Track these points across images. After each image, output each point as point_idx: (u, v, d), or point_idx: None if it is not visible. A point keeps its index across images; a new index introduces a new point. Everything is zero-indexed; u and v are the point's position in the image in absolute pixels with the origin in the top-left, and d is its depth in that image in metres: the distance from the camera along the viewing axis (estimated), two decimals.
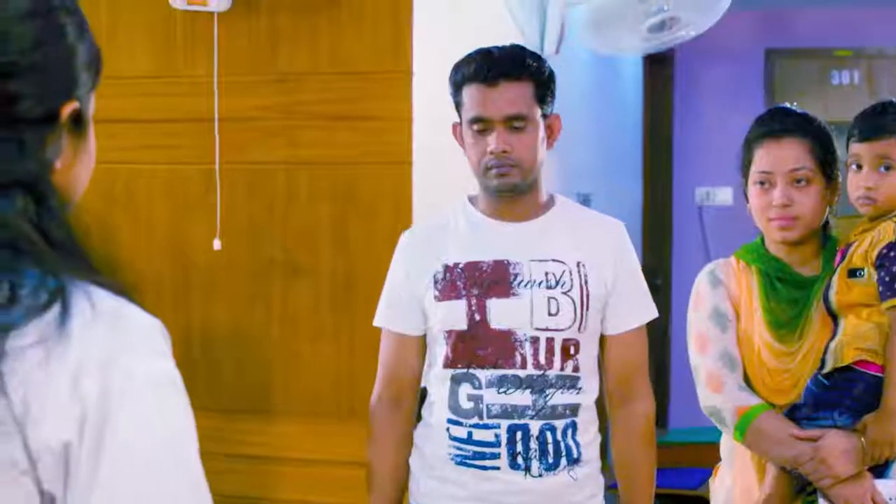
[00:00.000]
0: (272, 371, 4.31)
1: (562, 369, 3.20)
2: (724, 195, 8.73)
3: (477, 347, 3.19)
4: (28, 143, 1.40)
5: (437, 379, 3.28)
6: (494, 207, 3.29)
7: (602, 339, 3.31)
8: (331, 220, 4.23)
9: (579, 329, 3.21)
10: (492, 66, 3.17)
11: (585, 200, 6.41)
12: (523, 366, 3.18)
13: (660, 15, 5.36)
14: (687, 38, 5.50)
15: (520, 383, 3.18)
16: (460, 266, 3.23)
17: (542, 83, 3.21)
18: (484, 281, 3.20)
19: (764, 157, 3.23)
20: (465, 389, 3.21)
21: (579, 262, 3.22)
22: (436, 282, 3.25)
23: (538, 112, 3.20)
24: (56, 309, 1.32)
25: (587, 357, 3.24)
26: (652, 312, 3.36)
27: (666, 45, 5.66)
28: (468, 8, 4.64)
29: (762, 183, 3.23)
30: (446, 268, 3.25)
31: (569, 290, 3.20)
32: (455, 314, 3.21)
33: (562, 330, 3.19)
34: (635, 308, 3.32)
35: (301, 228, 4.27)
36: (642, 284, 3.35)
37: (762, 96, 8.90)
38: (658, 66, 8.78)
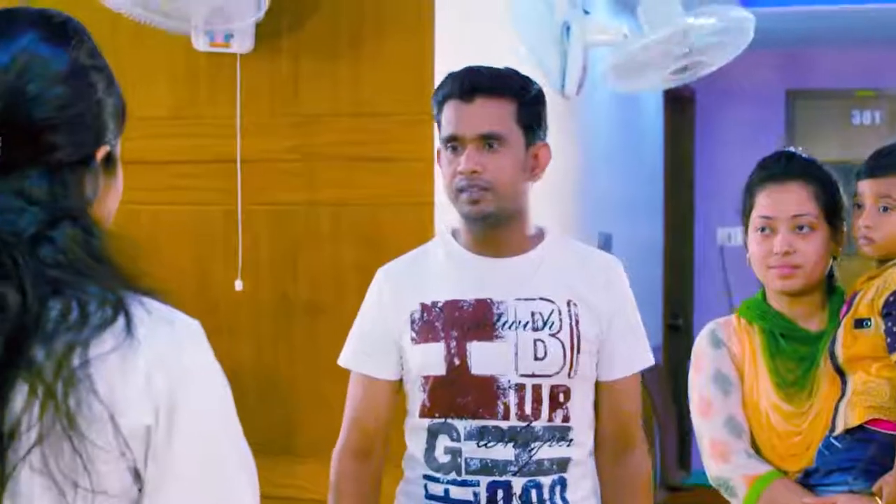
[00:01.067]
0: (295, 412, 4.31)
1: (550, 420, 2.90)
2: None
3: (456, 395, 2.90)
4: (70, 183, 1.68)
5: (413, 430, 3.01)
6: (476, 240, 2.98)
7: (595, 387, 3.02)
8: (353, 260, 4.23)
9: (569, 374, 2.91)
10: (469, 81, 2.91)
11: (607, 240, 6.42)
12: (506, 416, 2.88)
13: (685, 59, 5.37)
14: (706, 73, 5.52)
15: (502, 436, 2.88)
16: (439, 305, 2.94)
17: (526, 104, 2.93)
18: (465, 322, 2.91)
19: (765, 202, 3.08)
20: (442, 442, 2.92)
21: (570, 301, 2.93)
22: (412, 322, 2.96)
23: (519, 135, 2.91)
24: (122, 319, 1.60)
25: (580, 406, 2.95)
26: (648, 359, 3.07)
27: (685, 81, 5.68)
28: (490, 50, 4.65)
29: (763, 229, 3.07)
30: (424, 307, 2.96)
31: (557, 332, 2.90)
32: (432, 358, 2.91)
33: (549, 376, 2.89)
34: (632, 353, 3.03)
35: (323, 269, 4.27)
36: (639, 328, 3.06)
37: (783, 136, 8.90)
38: (679, 107, 8.80)
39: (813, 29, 8.43)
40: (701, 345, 3.17)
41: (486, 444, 2.88)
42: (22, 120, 1.64)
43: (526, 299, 2.92)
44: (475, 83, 2.90)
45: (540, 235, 3.03)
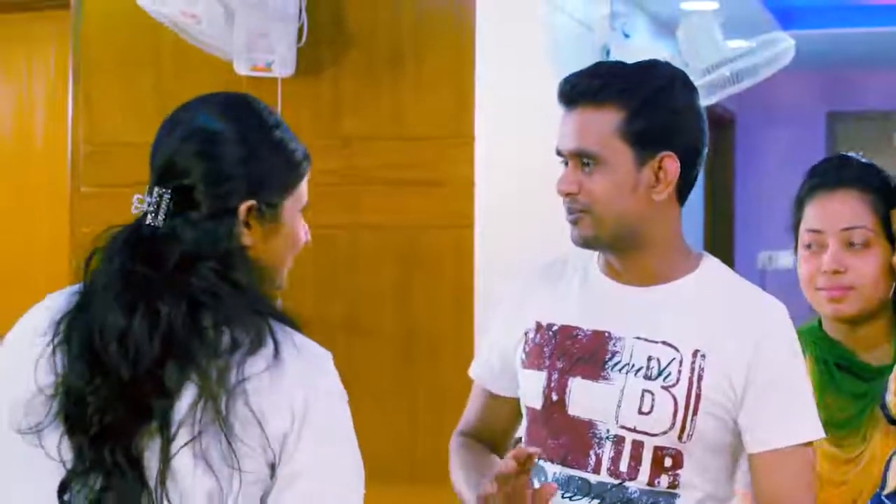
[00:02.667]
0: None
1: (650, 484, 2.42)
2: (786, 259, 8.63)
3: (549, 435, 2.50)
4: (210, 229, 2.06)
5: None
6: (608, 264, 2.54)
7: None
8: (394, 282, 4.23)
9: (681, 437, 2.40)
10: (572, 84, 2.47)
11: None
12: (596, 470, 2.44)
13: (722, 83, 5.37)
14: (735, 91, 5.51)
15: (588, 490, 2.46)
16: (554, 328, 2.53)
17: (639, 112, 2.41)
18: (574, 354, 2.49)
19: (813, 214, 2.68)
20: (535, 485, 2.44)
21: (697, 351, 2.41)
22: (526, 342, 2.58)
23: (624, 151, 2.41)
24: (271, 345, 2.00)
25: (699, 474, 2.43)
26: (810, 432, 2.44)
27: (717, 99, 5.67)
28: (531, 71, 4.65)
29: (810, 245, 2.68)
30: (538, 327, 2.56)
31: (672, 386, 2.40)
32: (532, 387, 2.53)
33: (654, 435, 2.41)
34: (782, 421, 2.42)
35: (364, 291, 4.27)
36: (798, 393, 2.45)
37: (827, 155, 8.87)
38: (720, 129, 8.78)
39: (853, 51, 8.40)
40: None
41: (570, 497, 2.48)
42: (175, 181, 2.08)
43: (646, 340, 2.45)
44: (577, 87, 2.46)
45: (691, 265, 2.53)
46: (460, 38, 4.16)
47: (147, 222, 2.05)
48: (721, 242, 8.85)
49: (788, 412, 2.42)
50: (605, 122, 2.41)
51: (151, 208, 2.06)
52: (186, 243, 2.03)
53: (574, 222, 2.45)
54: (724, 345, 2.40)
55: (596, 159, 2.41)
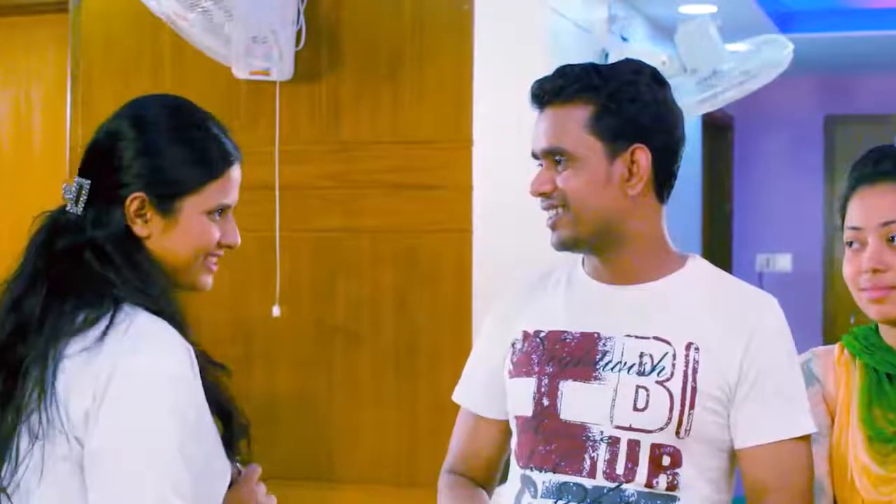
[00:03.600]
0: (333, 439, 4.31)
1: (649, 485, 2.34)
2: (783, 262, 8.70)
3: (539, 442, 2.42)
4: (95, 219, 2.19)
5: (512, 478, 2.52)
6: (593, 266, 2.51)
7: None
8: (392, 287, 4.23)
9: (678, 433, 2.34)
10: (539, 85, 2.48)
11: None
12: (591, 474, 2.36)
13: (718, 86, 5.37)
14: (731, 100, 5.51)
15: (584, 496, 2.36)
16: (542, 335, 2.47)
17: (609, 105, 2.39)
18: (564, 357, 2.43)
19: (854, 210, 2.48)
20: (523, 497, 2.44)
21: (690, 345, 2.37)
22: (513, 352, 2.52)
23: (596, 146, 2.39)
24: (102, 326, 2.07)
25: (696, 474, 2.37)
26: (799, 426, 2.38)
27: (714, 108, 5.68)
28: (530, 76, 4.65)
29: (851, 243, 2.48)
30: (525, 336, 2.50)
31: (666, 380, 2.35)
32: (522, 395, 2.46)
33: (650, 432, 2.34)
34: (772, 416, 2.37)
35: (362, 296, 4.27)
36: (789, 386, 2.40)
37: (821, 162, 8.87)
38: (718, 132, 8.78)
39: (851, 55, 8.41)
40: None
41: None
42: (84, 172, 2.24)
43: (637, 337, 2.40)
44: (544, 87, 2.46)
45: (677, 263, 2.49)
46: (459, 42, 4.16)
47: (68, 208, 2.21)
48: (719, 245, 8.85)
49: (776, 407, 2.38)
50: (574, 119, 2.40)
51: (71, 196, 2.20)
52: (84, 231, 2.17)
53: (553, 226, 2.44)
54: (718, 338, 2.38)
55: (567, 156, 2.39)
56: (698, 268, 2.50)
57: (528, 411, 2.44)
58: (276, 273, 4.32)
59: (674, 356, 2.37)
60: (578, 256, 2.54)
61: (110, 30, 4.60)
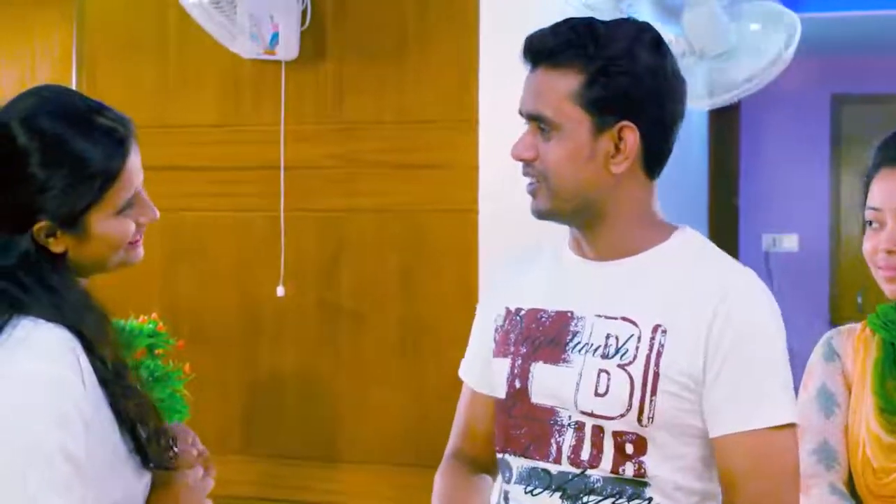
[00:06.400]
0: (338, 418, 4.31)
1: (614, 472, 2.22)
2: (790, 242, 8.69)
3: (511, 426, 2.34)
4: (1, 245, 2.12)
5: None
6: (575, 240, 2.37)
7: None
8: (397, 267, 4.24)
9: (640, 420, 2.20)
10: (531, 43, 2.31)
11: None
12: (557, 459, 2.26)
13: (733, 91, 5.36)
14: (750, 92, 5.49)
15: (549, 482, 2.28)
16: (522, 312, 2.37)
17: (598, 76, 2.22)
18: (538, 337, 2.32)
19: (874, 190, 2.48)
20: (502, 484, 2.37)
21: (658, 327, 2.21)
22: (496, 329, 2.42)
23: (581, 117, 2.23)
24: None
25: (667, 462, 2.23)
26: (773, 415, 2.19)
27: (729, 102, 5.66)
28: None
29: (871, 223, 2.48)
30: (508, 313, 2.40)
31: (628, 364, 2.21)
32: (498, 376, 2.37)
33: (611, 418, 2.21)
34: (743, 402, 2.19)
35: (367, 275, 4.28)
36: (764, 369, 2.21)
37: (828, 142, 8.86)
38: (723, 114, 8.75)
39: (858, 34, 8.38)
40: (813, 357, 2.59)
41: (531, 491, 2.30)
42: None
43: (606, 318, 2.26)
44: (536, 45, 2.29)
45: (664, 236, 2.35)
46: (464, 21, 4.16)
47: None
48: (725, 225, 8.84)
49: (747, 392, 2.19)
50: (562, 86, 2.23)
51: None
52: None
53: (532, 193, 2.30)
54: (686, 318, 2.20)
55: (552, 125, 2.24)
56: (682, 241, 2.34)
57: (502, 393, 2.35)
58: (281, 253, 4.32)
59: (638, 338, 2.22)
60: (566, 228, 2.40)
61: (115, 10, 4.60)
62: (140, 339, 3.82)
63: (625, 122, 2.23)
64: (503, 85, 4.30)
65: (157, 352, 3.87)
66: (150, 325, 3.88)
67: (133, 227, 2.19)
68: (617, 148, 2.24)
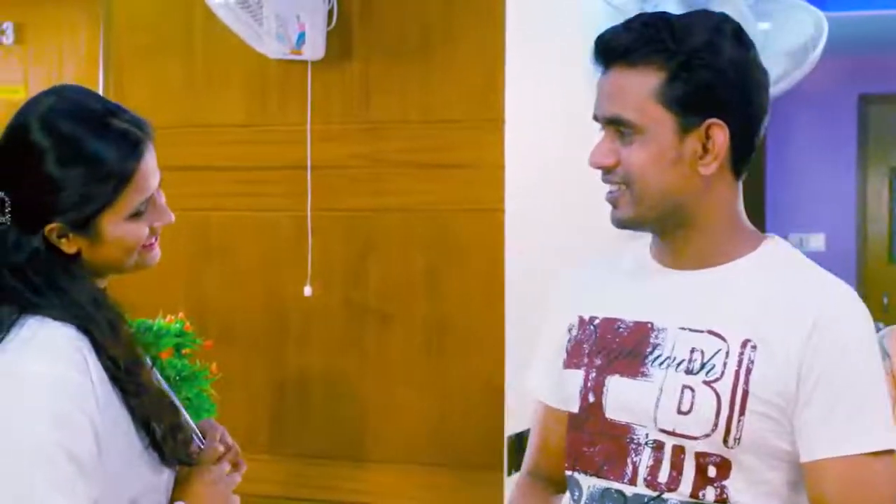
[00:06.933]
0: (364, 418, 4.31)
1: (694, 496, 2.08)
2: (816, 241, 8.67)
3: (584, 443, 2.21)
4: (13, 242, 2.14)
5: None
6: (657, 247, 2.25)
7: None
8: (423, 266, 4.23)
9: (726, 441, 2.06)
10: (604, 42, 2.17)
11: None
12: (632, 480, 2.13)
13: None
14: (778, 93, 5.47)
15: None
16: (596, 321, 2.25)
17: (681, 72, 2.09)
18: (614, 349, 2.19)
19: None
20: (566, 501, 2.28)
21: (747, 342, 2.08)
22: (569, 339, 2.30)
23: (665, 117, 2.10)
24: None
25: (751, 487, 2.09)
26: (872, 439, 2.05)
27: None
28: (560, 55, 4.64)
29: None
30: (581, 321, 2.28)
31: (715, 381, 2.07)
32: (570, 389, 2.25)
33: (694, 438, 2.08)
34: (838, 425, 2.04)
35: (393, 275, 4.27)
36: (862, 390, 2.07)
37: (855, 142, 8.83)
38: None
39: (885, 34, 8.36)
40: None
41: None
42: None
43: (690, 330, 2.13)
44: (610, 45, 2.15)
45: (753, 245, 2.22)
46: (490, 20, 4.15)
47: None
48: (752, 224, 8.82)
49: (843, 415, 2.05)
50: (642, 85, 2.10)
51: None
52: (4, 250, 2.14)
53: (613, 202, 2.17)
54: (778, 333, 2.07)
55: (633, 128, 2.10)
56: (772, 251, 2.21)
57: (575, 407, 2.22)
58: (308, 253, 4.32)
59: (726, 354, 2.08)
60: (649, 235, 2.27)
61: (142, 10, 4.61)
62: (167, 339, 3.82)
63: (712, 120, 2.11)
64: (529, 83, 4.30)
65: (184, 351, 3.87)
66: (178, 325, 3.88)
67: (146, 230, 2.20)
68: (705, 148, 2.12)
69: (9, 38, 5.57)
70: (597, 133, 2.19)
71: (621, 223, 2.18)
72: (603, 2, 5.09)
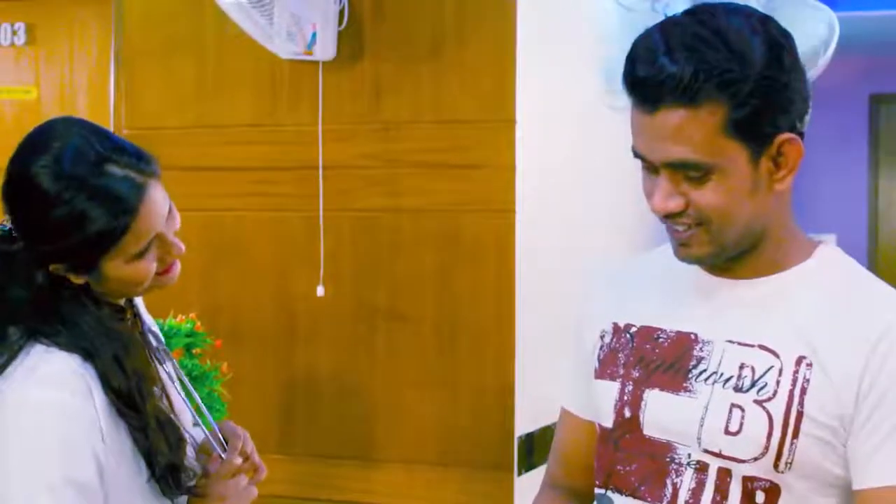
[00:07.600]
0: (374, 419, 4.31)
1: None
2: (831, 242, 8.65)
3: (618, 460, 2.09)
4: (22, 273, 2.17)
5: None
6: None
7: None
8: (434, 267, 4.23)
9: (777, 465, 1.93)
10: (647, 81, 1.91)
11: None
12: (672, 503, 2.00)
13: None
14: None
15: None
16: (632, 330, 2.12)
17: (748, 102, 1.88)
18: (654, 360, 2.06)
19: None
20: None
21: (802, 359, 1.94)
22: (601, 346, 2.18)
23: (736, 148, 1.91)
24: (5, 361, 2.09)
25: None
26: None
27: None
28: (571, 55, 4.64)
29: None
30: (615, 329, 2.16)
31: (767, 400, 1.93)
32: (604, 401, 2.12)
33: (743, 461, 1.94)
34: (892, 452, 1.89)
35: (404, 276, 4.27)
36: None
37: (867, 142, 8.82)
38: None
39: None
40: None
41: None
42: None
43: (740, 344, 1.99)
44: (659, 82, 1.89)
45: (807, 252, 2.06)
46: (502, 20, 4.15)
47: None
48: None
49: None
50: (706, 123, 1.89)
51: (7, 224, 2.21)
52: (11, 280, 2.17)
53: (685, 242, 2.00)
54: (835, 350, 1.92)
55: (707, 168, 1.91)
56: (828, 260, 2.06)
57: (608, 421, 2.10)
58: (321, 253, 4.32)
59: (780, 371, 1.94)
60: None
61: (153, 9, 4.61)
62: (178, 339, 3.83)
63: (784, 136, 1.95)
64: (541, 84, 4.30)
65: (194, 351, 3.87)
66: (188, 325, 3.89)
67: (153, 267, 2.21)
68: (776, 163, 1.97)
69: (20, 39, 5.58)
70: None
71: (696, 259, 2.04)
72: (613, 2, 5.08)
